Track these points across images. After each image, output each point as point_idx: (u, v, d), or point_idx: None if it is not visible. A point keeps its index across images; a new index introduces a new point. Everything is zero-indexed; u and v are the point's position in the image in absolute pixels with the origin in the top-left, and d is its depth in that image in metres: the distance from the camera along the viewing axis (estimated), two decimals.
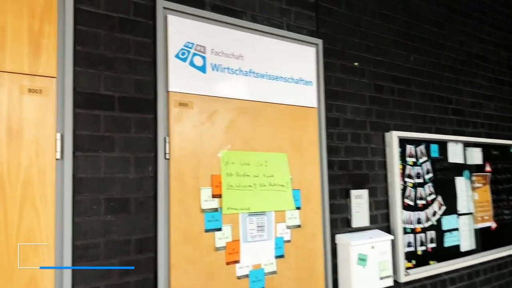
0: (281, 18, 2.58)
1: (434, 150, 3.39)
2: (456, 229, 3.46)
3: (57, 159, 1.73)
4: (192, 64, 2.16)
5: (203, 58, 2.21)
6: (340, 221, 2.73)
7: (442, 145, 3.47)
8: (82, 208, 1.78)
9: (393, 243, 2.96)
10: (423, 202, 3.23)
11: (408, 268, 3.03)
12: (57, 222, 1.71)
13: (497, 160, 4.00)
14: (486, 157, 3.89)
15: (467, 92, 3.82)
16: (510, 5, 4.47)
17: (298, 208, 2.49)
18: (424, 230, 3.20)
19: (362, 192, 2.85)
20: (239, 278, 2.21)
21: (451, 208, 3.45)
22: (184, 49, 2.14)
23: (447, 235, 3.37)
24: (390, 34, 3.23)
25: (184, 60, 2.13)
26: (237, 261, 2.21)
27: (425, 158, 3.30)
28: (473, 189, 3.70)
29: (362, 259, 2.64)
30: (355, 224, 2.78)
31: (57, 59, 1.77)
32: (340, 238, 2.67)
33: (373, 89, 3.05)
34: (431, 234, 3.25)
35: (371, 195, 2.92)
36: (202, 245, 2.09)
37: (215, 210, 2.16)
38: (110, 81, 1.91)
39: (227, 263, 2.18)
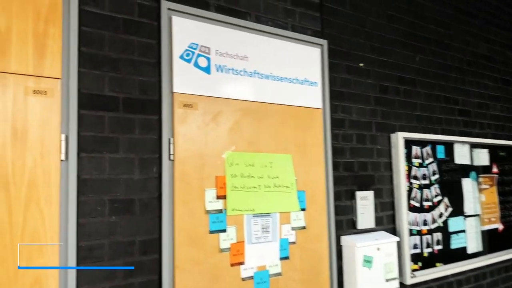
0: (286, 18, 2.57)
1: (440, 151, 3.37)
2: (463, 231, 3.43)
3: (61, 160, 1.73)
4: (196, 65, 2.16)
5: (208, 59, 2.20)
6: (345, 222, 2.71)
7: (449, 146, 3.44)
8: (86, 209, 1.78)
9: (399, 245, 2.93)
10: (429, 203, 3.20)
11: (414, 270, 3.01)
12: (62, 223, 1.71)
13: (504, 161, 3.97)
14: (493, 158, 3.86)
15: (474, 93, 3.79)
16: None
17: (303, 209, 2.48)
18: (430, 232, 3.17)
19: (368, 193, 2.83)
20: (243, 279, 2.20)
21: (457, 209, 3.42)
22: (188, 50, 2.14)
23: (453, 237, 3.34)
24: (395, 35, 3.21)
25: (188, 61, 2.13)
26: (241, 263, 2.20)
27: (431, 160, 3.28)
28: (480, 190, 3.67)
29: (367, 261, 2.62)
30: (360, 225, 2.76)
31: (61, 61, 1.77)
32: (346, 239, 2.65)
33: (379, 90, 3.04)
34: (438, 236, 3.22)
35: (376, 196, 2.90)
36: (206, 247, 2.08)
37: (220, 211, 2.15)
38: (114, 82, 1.91)
39: (232, 265, 2.17)
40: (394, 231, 2.98)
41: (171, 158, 2.03)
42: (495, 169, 3.86)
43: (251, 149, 2.31)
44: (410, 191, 3.08)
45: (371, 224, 2.82)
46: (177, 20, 2.12)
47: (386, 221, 2.95)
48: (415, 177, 3.13)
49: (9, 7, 1.67)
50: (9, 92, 1.65)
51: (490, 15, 4.11)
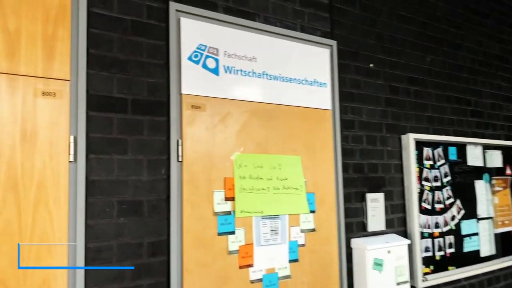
0: (295, 19, 2.56)
1: (452, 153, 3.32)
2: (476, 234, 3.38)
3: (70, 161, 1.74)
4: (205, 66, 2.15)
5: (216, 60, 2.20)
6: (355, 225, 2.68)
7: (461, 148, 3.39)
8: (95, 210, 1.78)
9: (410, 248, 2.89)
10: (441, 206, 3.16)
11: (426, 273, 2.96)
12: (70, 224, 1.72)
13: None
14: (507, 160, 3.79)
15: (486, 94, 3.74)
16: None
17: (312, 211, 2.45)
18: (442, 234, 3.13)
19: (378, 195, 2.80)
20: (252, 282, 2.18)
21: (470, 212, 3.37)
22: (197, 52, 2.13)
23: (466, 240, 3.29)
24: (406, 35, 3.18)
25: (197, 62, 2.13)
26: (250, 265, 2.19)
27: (443, 161, 3.23)
28: (493, 192, 3.61)
29: (378, 264, 2.59)
30: (371, 228, 2.73)
31: (70, 62, 1.78)
32: (356, 242, 2.62)
33: (389, 91, 3.00)
34: (450, 239, 3.18)
35: (387, 198, 2.87)
36: (215, 249, 2.07)
37: (228, 213, 2.14)
38: (123, 84, 1.91)
39: (240, 267, 2.15)
40: (405, 233, 2.94)
41: (180, 159, 2.02)
42: (508, 171, 3.79)
43: (259, 151, 2.29)
44: (421, 193, 3.03)
45: (382, 226, 2.79)
46: (185, 22, 2.11)
47: (397, 223, 2.92)
48: (427, 179, 3.09)
49: (18, 9, 1.69)
50: (19, 94, 1.66)
51: (503, 14, 4.04)
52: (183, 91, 2.07)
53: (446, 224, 3.16)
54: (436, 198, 3.13)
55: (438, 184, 3.17)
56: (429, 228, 3.05)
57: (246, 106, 2.27)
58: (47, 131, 1.70)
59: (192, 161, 2.06)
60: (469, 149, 3.47)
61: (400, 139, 3.02)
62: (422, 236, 2.99)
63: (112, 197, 1.83)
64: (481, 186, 3.50)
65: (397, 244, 2.69)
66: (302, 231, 2.40)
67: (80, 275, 1.71)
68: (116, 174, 1.85)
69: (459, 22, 3.61)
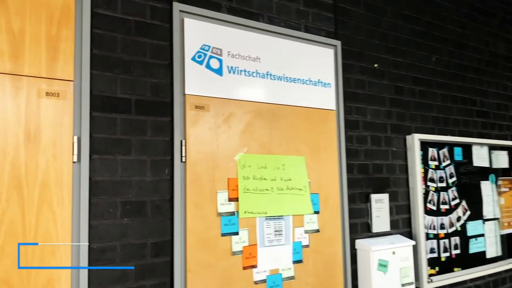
0: (299, 19, 2.55)
1: (458, 154, 3.30)
2: (482, 235, 3.35)
3: (74, 162, 1.74)
4: (208, 66, 2.15)
5: (220, 60, 2.19)
6: (360, 226, 2.67)
7: (466, 148, 3.37)
8: (98, 211, 1.78)
9: (415, 249, 2.87)
10: (447, 207, 3.14)
11: (431, 275, 2.94)
12: (74, 224, 1.72)
13: None
14: None
15: (492, 94, 3.71)
16: None
17: (316, 212, 2.44)
18: (447, 236, 3.10)
19: (383, 196, 2.78)
20: (256, 283, 2.18)
21: (476, 213, 3.35)
22: (200, 52, 2.13)
23: (472, 241, 3.27)
24: (411, 35, 3.16)
25: (200, 63, 2.13)
26: (254, 266, 2.18)
27: (448, 162, 3.21)
28: (499, 193, 3.58)
29: (383, 265, 2.57)
30: (375, 229, 2.71)
31: (74, 63, 1.78)
32: (360, 243, 2.61)
33: (394, 91, 2.99)
34: (455, 240, 3.15)
35: (392, 199, 2.85)
36: (218, 249, 2.07)
37: (232, 214, 2.13)
38: (126, 84, 1.91)
39: (244, 268, 2.15)
40: (410, 234, 2.93)
41: (183, 160, 2.02)
42: None
43: (263, 151, 2.29)
44: (426, 194, 3.01)
45: (386, 227, 2.77)
46: (189, 22, 2.11)
47: (402, 224, 2.90)
48: (432, 180, 3.07)
49: (22, 10, 1.69)
50: (23, 95, 1.66)
51: (509, 14, 4.01)
52: (186, 92, 2.06)
53: (451, 225, 3.14)
54: (441, 199, 3.11)
55: (444, 185, 3.14)
56: (434, 229, 3.02)
57: (249, 107, 2.27)
58: (50, 132, 1.70)
59: (196, 161, 2.05)
60: (475, 150, 3.44)
61: (405, 140, 3.01)
62: (427, 237, 2.97)
63: (116, 198, 1.83)
64: (487, 187, 3.47)
65: (402, 245, 2.68)
66: (306, 232, 2.39)
67: (84, 275, 1.71)
68: (119, 175, 1.85)
69: (465, 21, 3.58)
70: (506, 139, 3.75)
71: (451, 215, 3.15)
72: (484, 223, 3.39)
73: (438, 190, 3.10)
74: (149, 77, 1.98)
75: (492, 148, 3.58)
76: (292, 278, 2.30)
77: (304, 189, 2.40)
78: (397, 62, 3.04)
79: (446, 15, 3.44)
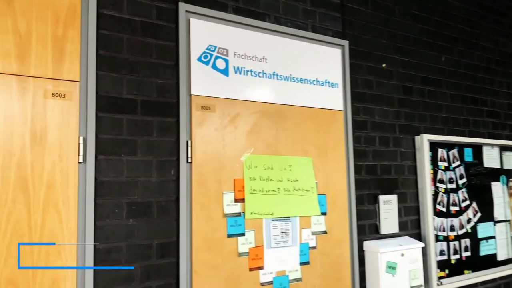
0: (306, 19, 2.53)
1: (468, 154, 3.25)
2: (493, 237, 3.30)
3: (79, 162, 1.74)
4: (214, 67, 2.14)
5: (226, 61, 2.18)
6: (368, 227, 2.64)
7: (477, 149, 3.32)
8: (104, 211, 1.78)
9: (425, 251, 2.84)
10: (457, 208, 3.09)
11: (441, 277, 2.90)
12: (79, 225, 1.72)
13: None
14: None
15: (503, 94, 3.65)
16: None
17: (323, 213, 2.42)
18: (458, 237, 3.06)
19: (391, 197, 2.75)
20: (262, 285, 2.16)
21: (487, 215, 3.30)
22: (206, 52, 2.12)
23: (482, 243, 3.22)
24: (420, 34, 3.13)
25: (206, 63, 2.12)
26: (260, 267, 2.17)
27: (458, 163, 3.17)
28: (510, 195, 3.52)
29: (391, 267, 2.54)
30: (383, 230, 2.68)
31: (80, 64, 1.78)
32: (368, 245, 2.58)
33: (402, 91, 2.96)
34: (466, 242, 3.11)
35: (400, 200, 2.82)
36: (224, 251, 2.06)
37: (238, 215, 2.12)
38: (132, 85, 1.91)
39: (250, 269, 2.13)
40: (419, 236, 2.89)
41: (189, 160, 2.02)
42: None
43: (270, 152, 2.27)
44: (436, 195, 2.97)
45: (395, 229, 2.74)
46: (195, 22, 2.11)
47: (411, 226, 2.86)
48: (441, 181, 3.03)
49: (29, 11, 1.70)
50: (29, 95, 1.67)
51: None
52: (192, 92, 2.06)
53: (461, 227, 3.10)
54: (451, 201, 3.07)
55: (453, 186, 3.10)
56: (444, 231, 2.98)
57: (256, 107, 2.25)
58: (56, 132, 1.70)
59: (202, 162, 2.04)
60: (486, 151, 3.39)
61: (413, 140, 2.97)
62: (437, 239, 2.93)
63: (121, 198, 1.83)
64: (498, 188, 3.42)
65: (411, 247, 2.64)
66: (314, 233, 2.37)
67: (89, 275, 1.70)
68: (125, 175, 1.85)
69: (475, 21, 3.54)
70: None
71: (461, 217, 3.11)
72: (495, 225, 3.34)
73: (447, 192, 3.06)
74: (155, 77, 1.98)
75: (503, 148, 3.53)
76: (299, 280, 2.28)
77: (311, 190, 2.38)
78: (406, 62, 3.01)
79: (455, 14, 3.39)
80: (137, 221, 1.86)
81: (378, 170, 2.74)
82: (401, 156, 2.88)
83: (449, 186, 3.08)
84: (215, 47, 2.16)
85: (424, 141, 2.93)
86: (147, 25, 1.98)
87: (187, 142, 2.02)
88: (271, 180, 2.25)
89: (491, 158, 3.43)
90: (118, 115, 1.86)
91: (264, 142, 2.26)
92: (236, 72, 2.21)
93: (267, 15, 2.38)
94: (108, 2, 1.89)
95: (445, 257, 2.96)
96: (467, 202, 3.17)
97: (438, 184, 3.01)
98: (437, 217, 2.96)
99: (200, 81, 2.09)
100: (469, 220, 3.16)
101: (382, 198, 2.70)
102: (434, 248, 2.88)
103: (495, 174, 3.43)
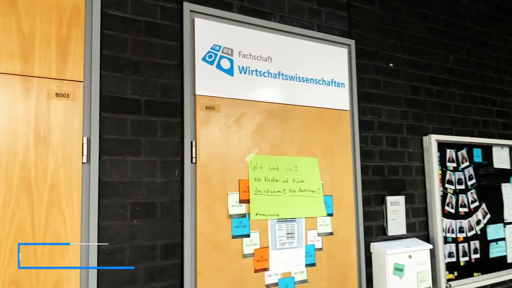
0: (312, 19, 2.51)
1: (477, 155, 3.20)
2: (503, 239, 3.25)
3: (83, 163, 1.74)
4: (219, 67, 2.13)
5: (231, 60, 2.17)
6: (375, 228, 2.61)
7: (486, 150, 3.27)
8: (108, 212, 1.77)
9: (433, 253, 2.79)
10: (466, 209, 3.05)
11: (449, 280, 2.86)
12: (83, 226, 1.71)
13: None
14: None
15: None
16: None
17: (330, 214, 2.39)
18: (467, 239, 3.01)
19: (399, 198, 2.72)
20: (268, 286, 2.14)
21: (496, 216, 3.24)
22: (211, 52, 2.11)
23: (492, 245, 3.17)
24: (427, 34, 3.09)
25: (211, 63, 2.11)
26: (266, 269, 2.14)
27: (467, 163, 3.12)
28: None
29: (398, 269, 2.50)
30: (391, 232, 2.65)
31: (84, 64, 1.78)
32: (375, 246, 2.54)
33: (410, 91, 2.92)
34: (475, 244, 3.06)
35: (408, 201, 2.78)
36: (229, 252, 2.04)
37: (243, 215, 2.10)
38: (136, 85, 1.91)
39: (256, 271, 2.11)
40: (427, 238, 2.85)
41: (193, 161, 2.00)
42: None
43: (275, 152, 2.25)
44: (444, 196, 2.93)
45: (402, 230, 2.70)
46: (199, 22, 2.10)
47: (419, 227, 2.82)
48: (450, 182, 2.99)
49: (33, 12, 1.70)
50: (33, 96, 1.67)
51: None
52: (197, 92, 2.04)
53: (471, 228, 3.05)
54: (460, 202, 3.02)
55: (462, 187, 3.06)
56: (453, 232, 2.94)
57: (261, 107, 2.24)
58: (60, 132, 1.70)
59: (206, 162, 2.03)
60: (495, 151, 3.34)
61: (421, 141, 2.93)
62: (446, 241, 2.89)
63: (125, 199, 1.82)
64: (508, 190, 3.36)
65: (419, 249, 2.61)
66: (319, 234, 2.35)
67: (93, 276, 1.70)
68: (129, 176, 1.84)
69: (484, 19, 3.49)
70: None
71: (470, 218, 3.06)
72: (505, 226, 3.28)
73: (456, 193, 3.01)
74: (159, 77, 1.97)
75: None
76: (304, 281, 2.26)
77: (317, 191, 2.36)
78: (413, 61, 2.98)
79: (464, 12, 3.35)
80: (141, 221, 1.85)
81: (385, 170, 2.71)
82: (408, 157, 2.84)
83: (458, 187, 3.03)
84: (220, 46, 2.15)
85: (432, 141, 2.89)
86: (152, 25, 1.98)
87: (191, 142, 2.01)
88: (276, 180, 2.23)
89: (501, 159, 3.37)
90: (122, 115, 1.86)
91: (269, 143, 2.24)
92: (241, 72, 2.19)
93: (272, 15, 2.36)
94: (112, 2, 1.88)
95: (454, 259, 2.92)
96: (477, 203, 3.12)
97: (447, 185, 2.96)
98: (446, 219, 2.91)
99: (205, 81, 2.07)
100: (478, 222, 3.11)
101: (389, 199, 2.67)
102: (443, 250, 2.83)
103: (505, 175, 3.37)
